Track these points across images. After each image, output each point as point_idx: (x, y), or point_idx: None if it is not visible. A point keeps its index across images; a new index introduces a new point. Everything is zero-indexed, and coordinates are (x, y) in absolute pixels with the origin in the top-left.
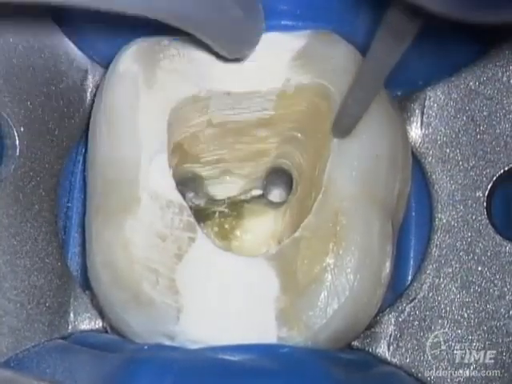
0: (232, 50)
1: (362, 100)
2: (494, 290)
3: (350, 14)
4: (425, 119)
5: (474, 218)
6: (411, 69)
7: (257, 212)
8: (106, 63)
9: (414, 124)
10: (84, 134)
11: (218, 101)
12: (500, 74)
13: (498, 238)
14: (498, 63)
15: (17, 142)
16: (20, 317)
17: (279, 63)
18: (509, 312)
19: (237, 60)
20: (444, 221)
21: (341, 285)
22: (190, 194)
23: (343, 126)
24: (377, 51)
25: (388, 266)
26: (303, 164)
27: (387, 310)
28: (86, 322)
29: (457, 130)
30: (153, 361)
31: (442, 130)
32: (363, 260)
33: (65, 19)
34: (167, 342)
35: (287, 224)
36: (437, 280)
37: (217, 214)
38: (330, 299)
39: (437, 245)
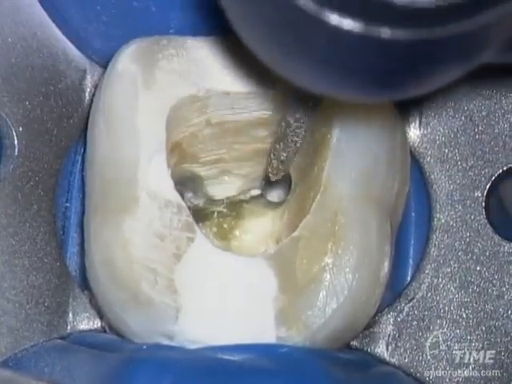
0: None
1: (290, 149)
2: (493, 290)
3: None
4: (423, 119)
5: (472, 217)
6: None
7: (255, 212)
8: (104, 63)
9: (413, 124)
10: (83, 134)
11: (217, 101)
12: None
13: (496, 237)
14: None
15: (15, 141)
16: (19, 316)
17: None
18: (507, 312)
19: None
20: (443, 221)
21: (339, 284)
22: (189, 194)
23: (277, 170)
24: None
25: (387, 266)
26: (302, 164)
27: (386, 309)
28: (85, 322)
29: (455, 129)
30: (152, 360)
31: (441, 129)
32: (362, 260)
33: (63, 19)
34: (166, 342)
35: (286, 224)
36: (435, 280)
37: (215, 213)
38: (329, 299)
39: (435, 245)
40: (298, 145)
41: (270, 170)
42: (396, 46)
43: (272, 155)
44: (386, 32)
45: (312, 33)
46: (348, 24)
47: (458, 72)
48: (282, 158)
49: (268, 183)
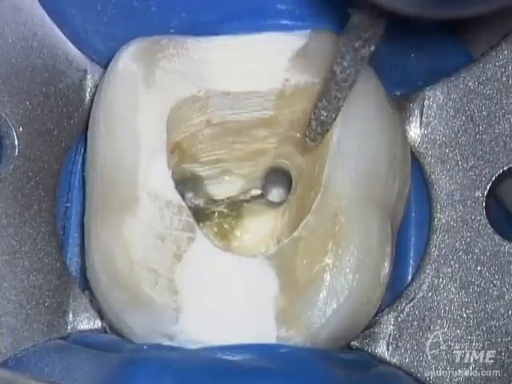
0: None
1: (331, 107)
2: (494, 290)
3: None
4: (424, 119)
5: (473, 217)
6: (409, 70)
7: (256, 212)
8: (105, 63)
9: (413, 124)
10: (83, 134)
11: (217, 101)
12: (499, 74)
13: (497, 237)
14: (497, 63)
15: (16, 142)
16: (19, 317)
17: (278, 63)
18: (508, 312)
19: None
20: (443, 221)
21: (340, 285)
22: (189, 194)
23: (315, 133)
24: (344, 54)
25: (387, 266)
26: (302, 164)
27: (386, 309)
28: (85, 322)
29: (456, 129)
30: (152, 361)
31: (441, 129)
32: (362, 260)
33: (64, 19)
34: (166, 342)
35: (286, 224)
36: (436, 280)
37: (216, 214)
38: (329, 299)
39: (436, 245)
40: (341, 103)
41: (307, 134)
42: None
43: (312, 115)
44: None
45: None
46: None
47: None
48: (323, 117)
49: (268, 183)
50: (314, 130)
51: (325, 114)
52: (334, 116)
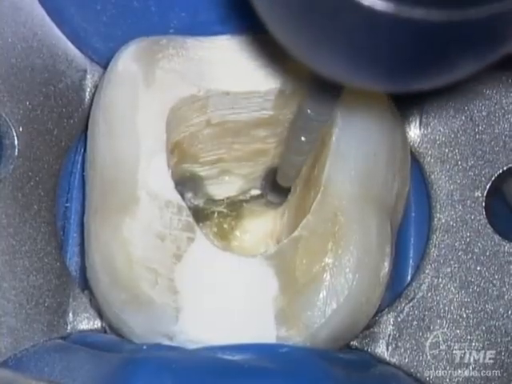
0: None
1: (300, 151)
2: (493, 290)
3: None
4: (423, 119)
5: (472, 217)
6: None
7: (256, 212)
8: (104, 63)
9: (413, 123)
10: (83, 134)
11: (217, 100)
12: (499, 74)
13: (496, 237)
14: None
15: (15, 141)
16: (19, 317)
17: (278, 63)
18: (508, 312)
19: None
20: (443, 220)
21: (340, 284)
22: (189, 194)
23: (287, 176)
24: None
25: (387, 266)
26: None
27: (386, 309)
28: (85, 322)
29: (456, 129)
30: (152, 361)
31: (441, 129)
32: (362, 259)
33: (64, 19)
34: (166, 342)
35: (286, 224)
36: (436, 280)
37: (216, 214)
38: (329, 299)
39: (436, 245)
40: (312, 146)
41: (279, 178)
42: (428, 28)
43: (283, 160)
44: (418, 13)
45: (343, 14)
46: (381, 5)
47: (487, 58)
48: (295, 161)
49: (268, 183)
50: (287, 173)
51: (296, 158)
52: (305, 158)
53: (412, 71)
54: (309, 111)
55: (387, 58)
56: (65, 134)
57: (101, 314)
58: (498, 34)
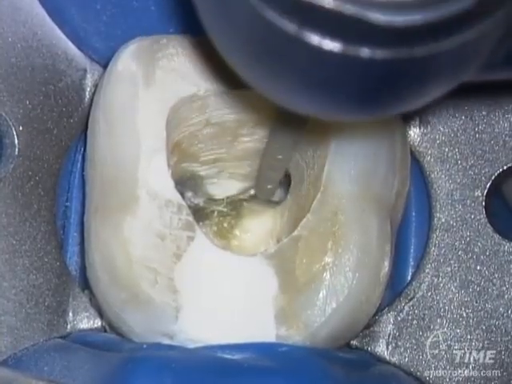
0: None
1: (276, 167)
2: (493, 290)
3: None
4: (423, 118)
5: (472, 217)
6: None
7: (256, 211)
8: (104, 62)
9: (413, 123)
10: (83, 133)
11: (217, 100)
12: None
13: (496, 237)
14: None
15: (16, 141)
16: (19, 316)
17: None
18: (508, 311)
19: None
20: (443, 220)
21: (339, 284)
22: (189, 194)
23: (264, 190)
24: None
25: (387, 265)
26: (302, 163)
27: (386, 309)
28: (85, 321)
29: (455, 129)
30: (151, 360)
31: (441, 129)
32: (362, 259)
33: (64, 18)
34: (166, 341)
35: (286, 223)
36: (436, 279)
37: (216, 213)
38: (329, 298)
39: (436, 244)
40: (288, 161)
41: (258, 192)
42: (376, 66)
43: (259, 176)
44: (365, 52)
45: (292, 53)
46: (328, 44)
47: (438, 90)
48: (271, 175)
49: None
50: (264, 188)
51: (273, 174)
52: (282, 172)
53: (366, 103)
54: (280, 137)
55: (340, 92)
56: (65, 134)
57: (101, 314)
58: (446, 68)
